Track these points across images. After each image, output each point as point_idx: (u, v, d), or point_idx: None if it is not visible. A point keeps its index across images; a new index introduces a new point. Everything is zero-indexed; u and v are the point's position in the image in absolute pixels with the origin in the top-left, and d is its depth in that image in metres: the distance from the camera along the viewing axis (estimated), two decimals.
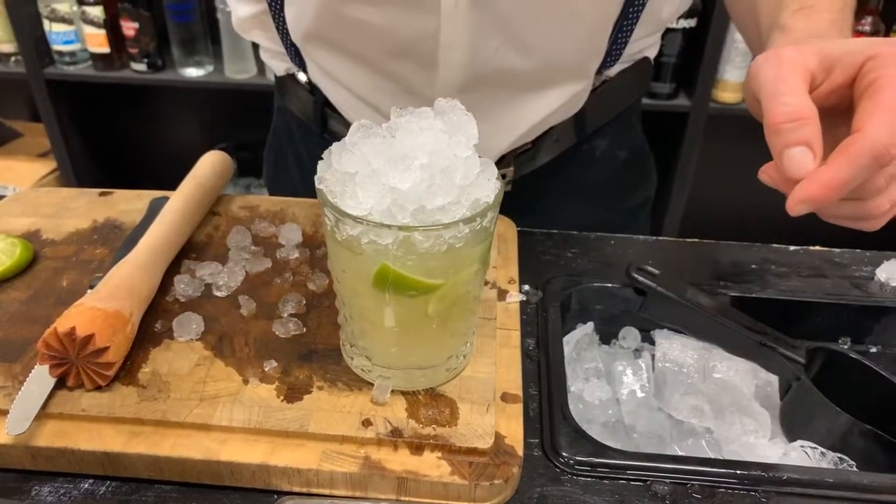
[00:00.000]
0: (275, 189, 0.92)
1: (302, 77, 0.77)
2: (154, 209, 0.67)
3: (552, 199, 0.81)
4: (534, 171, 0.77)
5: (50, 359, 0.48)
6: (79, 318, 0.49)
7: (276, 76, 0.82)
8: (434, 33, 0.61)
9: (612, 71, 0.74)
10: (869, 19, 1.65)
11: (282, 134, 0.87)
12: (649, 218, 0.94)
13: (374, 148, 0.44)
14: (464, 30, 0.60)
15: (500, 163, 0.74)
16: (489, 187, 0.45)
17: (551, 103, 0.70)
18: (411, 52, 0.63)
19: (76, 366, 0.48)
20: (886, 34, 1.70)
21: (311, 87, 0.76)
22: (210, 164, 0.73)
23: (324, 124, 0.77)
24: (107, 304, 0.51)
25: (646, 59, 0.78)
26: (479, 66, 0.63)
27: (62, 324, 0.48)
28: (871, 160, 0.40)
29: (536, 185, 0.78)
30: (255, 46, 1.76)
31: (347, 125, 0.70)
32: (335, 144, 0.46)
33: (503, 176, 0.72)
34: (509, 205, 0.78)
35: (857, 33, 1.66)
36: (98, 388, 0.49)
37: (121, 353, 0.50)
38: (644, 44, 0.74)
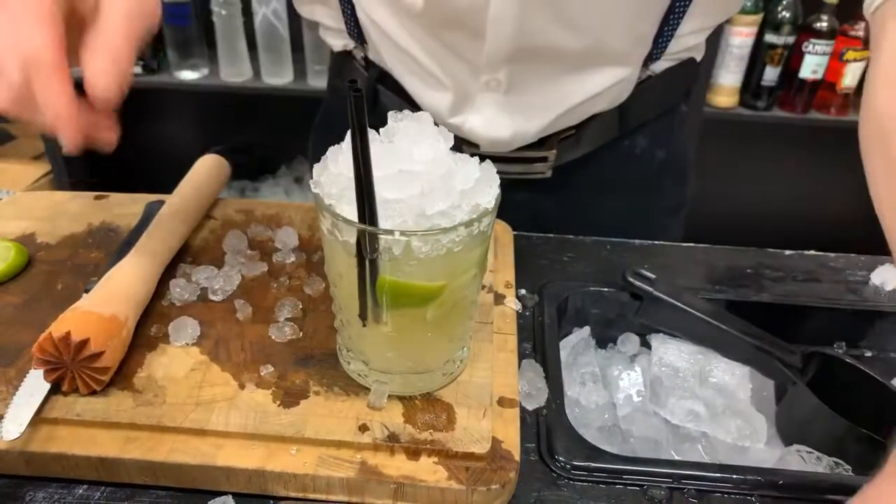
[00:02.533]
0: None
1: (358, 53, 0.78)
2: (150, 213, 0.67)
3: (587, 192, 0.81)
4: (573, 160, 0.77)
5: (44, 363, 0.48)
6: (74, 322, 0.48)
7: (332, 54, 0.84)
8: (484, 5, 0.62)
9: (659, 67, 0.74)
10: (862, 24, 1.65)
11: (333, 111, 0.89)
12: (682, 229, 0.93)
13: (372, 153, 0.44)
14: (513, 3, 0.61)
15: (544, 145, 0.75)
16: (490, 193, 0.45)
17: (595, 86, 0.70)
18: (462, 21, 0.65)
19: (71, 371, 0.48)
20: None
21: (367, 63, 0.78)
22: (206, 168, 0.72)
23: (375, 101, 0.78)
24: (102, 308, 0.51)
25: (692, 59, 0.78)
26: (526, 41, 0.64)
27: (57, 328, 0.48)
28: None
29: (574, 176, 0.79)
30: (252, 49, 1.77)
31: (397, 101, 0.74)
32: (331, 148, 0.46)
33: (545, 159, 0.74)
34: (544, 192, 0.80)
35: (851, 39, 1.67)
36: (93, 392, 0.49)
37: (116, 358, 0.50)
38: (690, 41, 0.74)
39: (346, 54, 0.80)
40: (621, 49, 0.68)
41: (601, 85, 0.70)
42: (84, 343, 0.47)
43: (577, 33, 0.65)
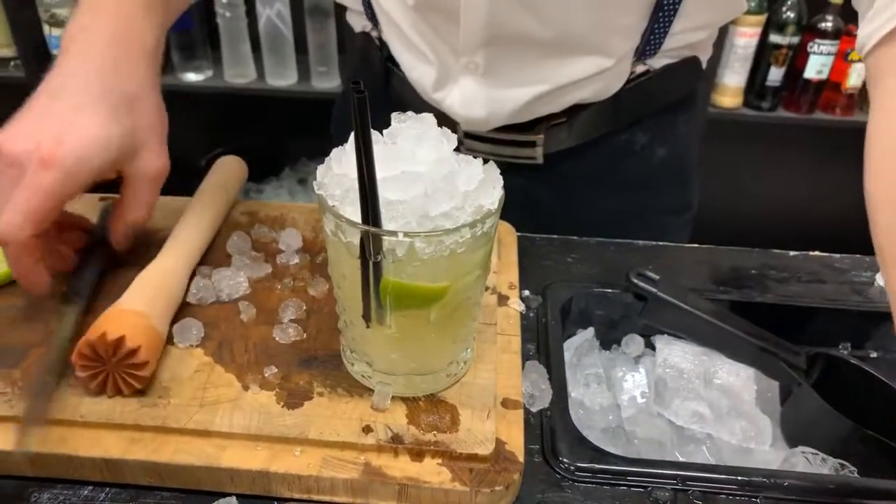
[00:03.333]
0: None
1: (374, 34, 0.83)
2: (104, 215, 0.65)
3: (582, 184, 0.82)
4: (570, 150, 0.78)
5: (86, 368, 0.48)
6: (107, 323, 0.48)
7: (354, 35, 0.88)
8: None
9: (657, 63, 0.75)
10: None
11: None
12: (687, 232, 0.92)
13: (375, 154, 0.44)
14: None
15: (532, 129, 0.77)
16: (494, 194, 0.45)
17: (573, 74, 0.71)
18: (442, 6, 0.69)
19: (111, 373, 0.48)
20: None
21: (381, 44, 0.82)
22: (229, 169, 0.73)
23: (387, 82, 0.82)
24: (132, 305, 0.51)
25: (695, 58, 0.78)
26: (498, 28, 0.67)
27: (92, 332, 0.48)
28: None
29: (568, 166, 0.80)
30: (256, 51, 1.77)
31: (406, 84, 0.79)
32: (335, 150, 0.46)
33: (533, 143, 0.76)
34: (538, 180, 0.81)
35: (854, 38, 1.66)
36: (137, 392, 0.49)
37: (153, 353, 0.50)
38: (689, 39, 0.74)
39: (365, 35, 0.84)
40: (596, 40, 0.70)
41: (580, 73, 0.71)
42: (120, 340, 0.47)
43: (545, 23, 0.67)
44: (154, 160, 0.57)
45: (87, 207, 0.73)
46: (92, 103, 0.52)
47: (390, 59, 0.81)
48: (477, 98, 0.73)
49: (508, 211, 0.72)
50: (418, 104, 0.78)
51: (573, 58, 0.70)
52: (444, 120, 0.74)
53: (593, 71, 0.71)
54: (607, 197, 0.83)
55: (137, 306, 0.52)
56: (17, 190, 0.49)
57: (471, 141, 0.79)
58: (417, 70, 0.77)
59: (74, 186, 0.51)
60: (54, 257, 0.57)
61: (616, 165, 0.81)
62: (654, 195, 0.86)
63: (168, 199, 0.71)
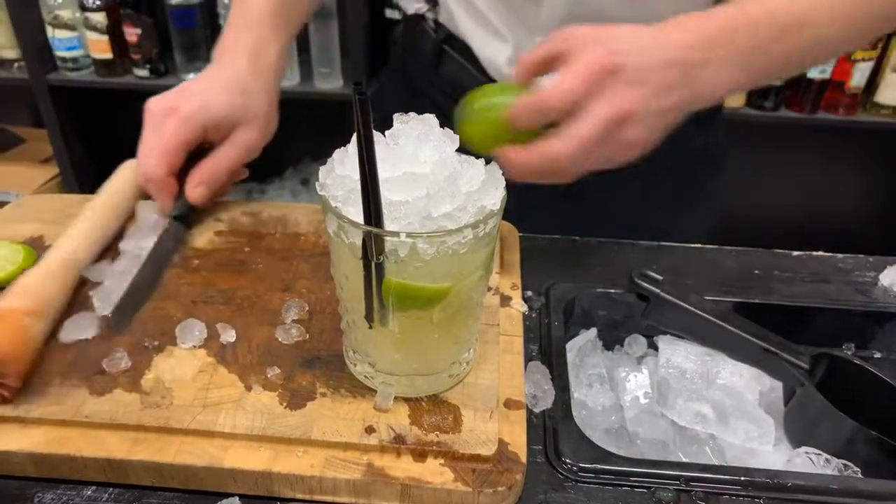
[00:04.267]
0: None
1: (430, 16, 0.86)
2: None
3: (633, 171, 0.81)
4: None
5: None
6: None
7: (405, 17, 0.91)
8: None
9: None
10: None
11: (407, 71, 0.93)
12: (703, 223, 0.92)
13: (378, 155, 0.44)
14: None
15: None
16: (496, 195, 0.45)
17: None
18: None
19: None
20: (888, 39, 1.70)
21: (437, 26, 0.85)
22: (123, 176, 0.73)
23: (438, 63, 0.84)
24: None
25: None
26: (579, 7, 0.71)
27: None
28: None
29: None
30: None
31: (457, 62, 0.82)
32: (337, 151, 0.46)
33: None
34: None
35: None
36: (4, 401, 0.48)
37: (14, 352, 0.49)
38: None
39: (418, 18, 0.87)
40: (669, 17, 0.71)
41: None
42: None
43: (623, 1, 0.69)
44: (250, 135, 0.71)
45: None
46: (216, 88, 0.69)
47: (446, 41, 0.83)
48: None
49: (554, 200, 0.73)
50: (469, 86, 0.80)
51: None
52: None
53: None
54: (650, 183, 0.81)
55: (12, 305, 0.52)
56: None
57: None
58: (491, 47, 0.79)
59: (189, 133, 0.66)
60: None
61: (662, 151, 0.81)
62: (686, 183, 0.86)
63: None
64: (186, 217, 0.69)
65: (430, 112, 0.48)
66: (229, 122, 0.69)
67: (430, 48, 0.84)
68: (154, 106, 0.67)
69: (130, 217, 0.70)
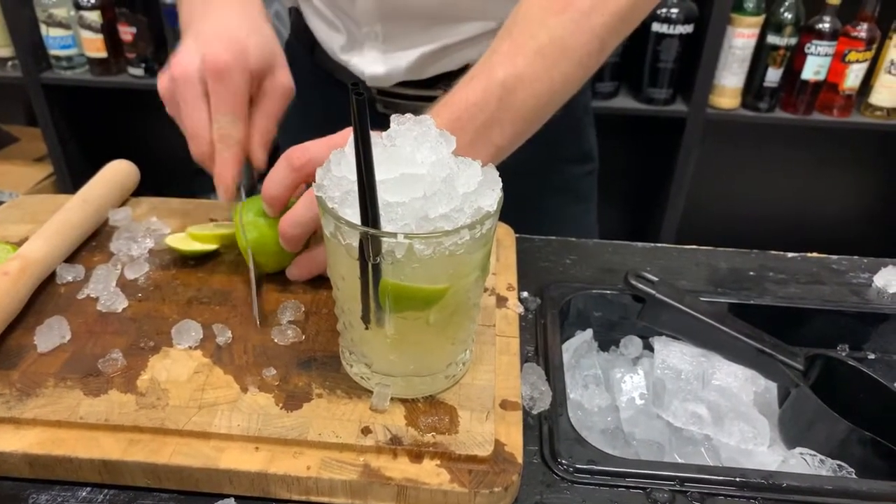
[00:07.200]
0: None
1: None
2: None
3: None
4: None
5: None
6: None
7: (290, 11, 0.95)
8: None
9: None
10: (864, 26, 1.65)
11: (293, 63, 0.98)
12: (594, 185, 0.98)
13: (374, 156, 0.44)
14: None
15: (433, 86, 0.82)
16: (492, 196, 0.45)
17: (459, 35, 0.78)
18: None
19: None
20: (882, 41, 1.71)
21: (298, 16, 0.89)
22: (104, 180, 0.73)
23: (312, 50, 0.89)
24: None
25: None
26: (390, 3, 0.75)
27: None
28: None
29: None
30: None
31: (326, 56, 0.86)
32: (334, 152, 0.46)
33: (434, 98, 0.78)
34: None
35: (853, 40, 1.66)
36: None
37: None
38: None
39: (296, 10, 0.92)
40: (480, 6, 0.76)
41: (467, 34, 0.77)
42: None
43: None
44: (285, 76, 0.66)
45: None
46: (236, 31, 0.62)
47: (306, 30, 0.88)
48: (377, 57, 0.81)
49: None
50: (333, 67, 0.86)
51: (459, 22, 0.77)
52: (352, 77, 0.83)
53: (478, 31, 0.77)
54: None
55: None
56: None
57: (383, 97, 0.84)
58: (327, 35, 0.84)
59: (246, 84, 0.61)
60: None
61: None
62: (552, 145, 0.88)
63: (150, 199, 0.70)
64: (247, 186, 0.64)
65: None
66: (266, 66, 0.64)
67: (305, 37, 0.89)
68: (182, 70, 0.60)
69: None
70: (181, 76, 0.60)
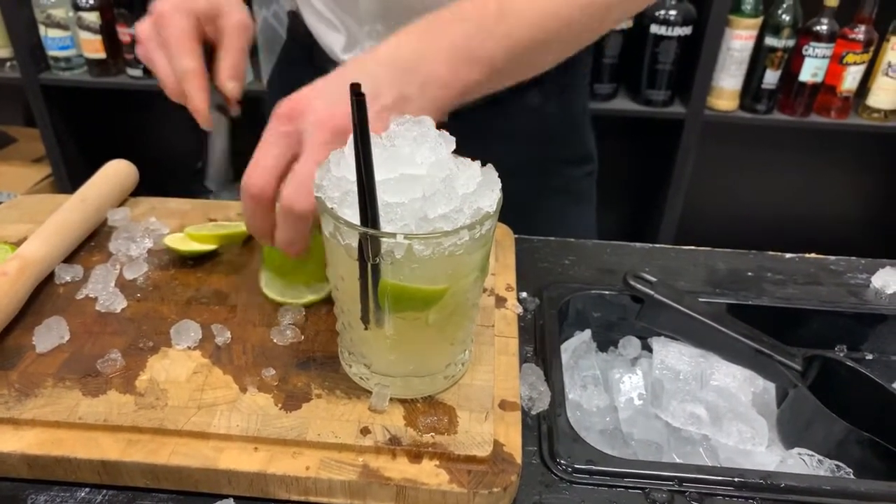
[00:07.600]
0: None
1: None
2: None
3: (486, 140, 0.81)
4: (473, 108, 0.78)
5: None
6: None
7: (289, 14, 0.96)
8: None
9: None
10: (862, 28, 1.66)
11: (291, 58, 0.99)
12: (593, 186, 0.98)
13: (374, 156, 0.44)
14: None
15: None
16: (492, 196, 0.45)
17: None
18: None
19: None
20: (880, 43, 1.72)
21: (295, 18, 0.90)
22: (102, 180, 0.73)
23: (311, 53, 0.89)
24: None
25: None
26: (392, 1, 0.76)
27: None
28: None
29: (473, 124, 0.80)
30: (253, 53, 1.77)
31: (324, 55, 0.87)
32: (334, 153, 0.46)
33: None
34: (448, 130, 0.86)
35: (851, 42, 1.67)
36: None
37: None
38: None
39: (294, 14, 0.93)
40: None
41: None
42: None
43: None
44: (239, 14, 0.69)
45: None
46: None
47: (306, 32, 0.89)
48: None
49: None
50: (333, 68, 0.87)
51: None
52: None
53: None
54: (509, 149, 0.84)
55: None
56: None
57: None
58: (328, 36, 0.85)
59: (191, 24, 0.66)
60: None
61: (513, 121, 0.86)
62: (551, 146, 0.90)
63: (149, 199, 0.70)
64: (225, 108, 0.71)
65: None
66: (214, 7, 0.69)
67: (303, 40, 0.90)
68: (141, 29, 0.68)
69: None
70: (142, 33, 0.68)
